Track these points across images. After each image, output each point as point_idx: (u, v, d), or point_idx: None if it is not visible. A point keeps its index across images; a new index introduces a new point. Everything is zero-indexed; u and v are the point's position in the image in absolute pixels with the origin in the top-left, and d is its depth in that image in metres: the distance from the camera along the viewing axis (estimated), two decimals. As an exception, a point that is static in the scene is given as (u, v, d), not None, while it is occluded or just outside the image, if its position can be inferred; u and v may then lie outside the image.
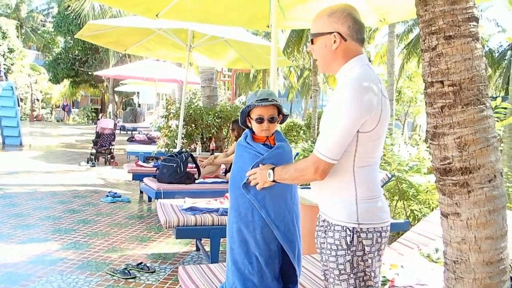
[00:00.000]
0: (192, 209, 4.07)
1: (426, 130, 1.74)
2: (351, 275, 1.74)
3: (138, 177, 6.78)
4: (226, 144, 8.31)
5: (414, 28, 19.33)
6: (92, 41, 6.57)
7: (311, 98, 30.20)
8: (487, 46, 20.96)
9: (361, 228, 1.72)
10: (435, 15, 1.61)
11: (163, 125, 8.37)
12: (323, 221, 1.86)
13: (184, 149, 6.48)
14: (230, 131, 6.10)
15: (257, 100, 2.26)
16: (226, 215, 3.94)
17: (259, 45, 6.38)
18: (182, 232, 3.85)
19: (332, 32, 1.72)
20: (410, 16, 4.18)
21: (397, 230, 4.66)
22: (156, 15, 4.30)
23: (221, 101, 9.62)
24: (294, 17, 4.15)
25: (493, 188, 1.60)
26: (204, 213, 4.01)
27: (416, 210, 5.07)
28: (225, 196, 4.65)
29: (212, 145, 6.99)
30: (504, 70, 19.81)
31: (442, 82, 1.61)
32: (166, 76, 11.72)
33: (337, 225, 1.75)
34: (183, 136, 7.79)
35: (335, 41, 1.72)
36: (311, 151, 8.35)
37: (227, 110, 8.17)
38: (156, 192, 5.38)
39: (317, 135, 10.95)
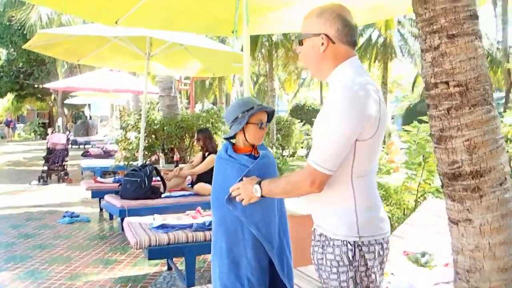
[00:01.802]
0: (163, 227, 3.84)
1: (430, 134, 1.65)
2: None
3: (97, 194, 6.41)
4: (188, 154, 8.06)
5: (364, 32, 19.84)
6: (43, 52, 6.17)
7: (267, 103, 30.44)
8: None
9: (363, 242, 1.60)
10: (436, 13, 1.53)
11: (121, 138, 8.00)
12: (320, 235, 1.72)
13: (147, 162, 6.19)
14: (195, 141, 5.89)
15: (258, 105, 2.13)
16: (201, 230, 3.75)
17: (222, 51, 6.22)
18: (155, 252, 3.61)
19: (319, 34, 1.61)
20: (376, 19, 4.18)
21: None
22: (116, 22, 4.05)
23: (182, 110, 9.37)
24: (264, 21, 4.04)
25: (505, 191, 1.53)
26: (177, 230, 3.79)
27: (387, 212, 5.08)
28: (197, 210, 4.45)
29: (176, 156, 6.74)
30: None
31: (447, 82, 1.53)
32: (121, 86, 11.30)
33: (337, 239, 1.62)
34: (143, 148, 7.49)
35: (322, 43, 1.61)
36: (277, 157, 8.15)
37: (188, 119, 7.93)
38: (120, 210, 5.07)
39: (276, 140, 10.93)
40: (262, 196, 1.83)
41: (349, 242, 1.59)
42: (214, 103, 28.11)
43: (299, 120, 20.85)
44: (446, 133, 1.56)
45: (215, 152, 5.77)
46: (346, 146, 1.53)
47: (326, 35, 1.60)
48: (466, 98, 1.51)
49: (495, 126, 1.52)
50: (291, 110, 25.60)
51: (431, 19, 1.54)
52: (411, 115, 20.45)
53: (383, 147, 14.23)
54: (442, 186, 1.65)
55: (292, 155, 18.90)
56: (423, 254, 2.91)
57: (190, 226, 3.85)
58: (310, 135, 20.33)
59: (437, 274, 2.72)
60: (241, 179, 2.07)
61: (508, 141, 10.58)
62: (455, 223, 1.62)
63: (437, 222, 3.17)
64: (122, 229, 5.81)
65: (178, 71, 7.80)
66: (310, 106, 25.55)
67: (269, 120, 2.19)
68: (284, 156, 17.27)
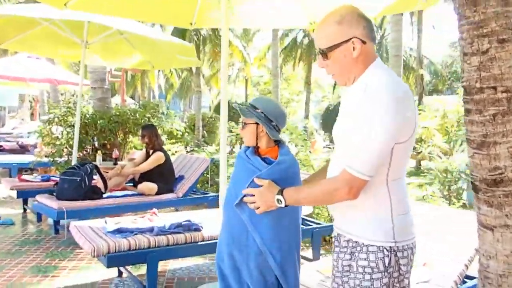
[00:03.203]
0: (120, 231, 3.51)
1: (467, 139, 1.63)
2: None
3: (25, 194, 5.77)
4: (123, 151, 7.56)
5: (290, 32, 20.28)
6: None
7: (188, 99, 29.87)
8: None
9: (398, 247, 1.58)
10: (487, 16, 1.51)
11: (45, 132, 7.27)
12: (347, 241, 1.65)
13: (86, 160, 5.68)
14: (140, 137, 5.52)
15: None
16: (163, 234, 3.50)
17: (168, 42, 5.89)
18: (115, 259, 3.28)
19: (350, 39, 1.53)
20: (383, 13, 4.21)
21: (330, 234, 4.69)
22: (65, 5, 3.62)
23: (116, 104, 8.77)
24: (243, 14, 3.86)
25: (542, 197, 1.56)
26: (136, 234, 3.49)
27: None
28: (152, 212, 4.15)
29: (115, 153, 6.26)
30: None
31: (494, 88, 1.52)
32: (39, 75, 10.29)
33: (372, 245, 1.57)
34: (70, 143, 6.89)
35: (354, 48, 1.53)
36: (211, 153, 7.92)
37: (125, 113, 7.44)
38: (58, 212, 4.58)
39: (202, 137, 10.71)
40: (286, 206, 1.74)
41: (386, 248, 1.56)
42: (132, 97, 26.99)
43: (224, 117, 20.82)
44: (490, 139, 1.55)
45: (161, 149, 5.47)
46: (387, 151, 1.50)
47: (356, 37, 1.53)
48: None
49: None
50: (216, 106, 25.44)
51: (481, 22, 1.52)
52: (330, 116, 21.37)
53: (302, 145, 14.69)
54: (476, 192, 1.64)
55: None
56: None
57: (151, 230, 3.57)
58: (233, 131, 20.45)
59: (417, 274, 2.77)
60: (252, 182, 1.93)
61: (422, 142, 11.44)
62: (490, 228, 1.62)
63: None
64: (56, 232, 5.29)
65: (114, 62, 7.27)
66: (235, 102, 25.57)
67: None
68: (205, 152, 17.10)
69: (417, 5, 3.84)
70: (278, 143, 2.10)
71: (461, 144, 9.78)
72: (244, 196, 1.90)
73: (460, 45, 1.63)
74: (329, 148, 18.98)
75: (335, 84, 24.60)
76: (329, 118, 21.31)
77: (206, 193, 6.02)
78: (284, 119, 2.13)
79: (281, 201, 1.71)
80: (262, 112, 2.06)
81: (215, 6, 3.93)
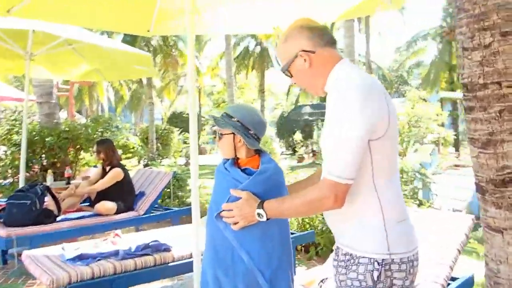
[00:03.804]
0: (81, 258, 3.19)
1: (470, 138, 1.54)
2: None
3: (-35, 222, 5.19)
4: (75, 169, 7.10)
5: (242, 41, 20.27)
6: None
7: (140, 111, 29.07)
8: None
9: (393, 259, 1.42)
10: (488, 8, 1.43)
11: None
12: (344, 254, 1.51)
13: (37, 181, 5.24)
14: (96, 154, 5.16)
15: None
16: (130, 258, 3.23)
17: (122, 51, 5.57)
18: (77, 290, 2.96)
19: (296, 54, 1.51)
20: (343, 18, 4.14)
21: (302, 243, 4.57)
22: (8, 11, 3.29)
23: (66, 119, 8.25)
24: (207, 21, 3.67)
25: (550, 195, 1.49)
26: (100, 260, 3.18)
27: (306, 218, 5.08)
28: (115, 234, 3.84)
29: (67, 172, 5.83)
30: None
31: (499, 83, 1.45)
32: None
33: (363, 257, 1.44)
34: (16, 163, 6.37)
35: (305, 60, 1.51)
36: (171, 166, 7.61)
37: (75, 128, 6.98)
38: (6, 240, 4.14)
39: (156, 150, 10.36)
40: (267, 219, 1.61)
41: (377, 261, 1.42)
42: (79, 112, 25.94)
43: (177, 128, 20.41)
44: (497, 137, 1.47)
45: (119, 165, 5.14)
46: (362, 148, 1.38)
47: (302, 50, 1.50)
48: (520, 100, 1.44)
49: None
50: (169, 118, 24.91)
51: (482, 15, 1.44)
52: (286, 123, 21.50)
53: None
54: (482, 193, 1.56)
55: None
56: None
57: (116, 254, 3.27)
58: (188, 143, 20.05)
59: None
60: (233, 199, 1.75)
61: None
62: (499, 231, 1.54)
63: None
64: (4, 262, 4.82)
65: (61, 74, 6.83)
66: (188, 114, 25.17)
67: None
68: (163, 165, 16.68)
69: (379, 8, 3.83)
70: (259, 152, 1.94)
71: (413, 144, 10.10)
72: (222, 211, 1.74)
73: (459, 40, 1.54)
74: (286, 155, 19.06)
75: (288, 91, 24.91)
76: (284, 125, 21.44)
77: (170, 209, 5.73)
78: (263, 127, 1.97)
79: (262, 215, 1.59)
80: (238, 121, 1.90)
81: (176, 13, 3.72)
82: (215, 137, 2.02)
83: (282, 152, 18.40)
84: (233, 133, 1.88)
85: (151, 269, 3.26)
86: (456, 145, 17.45)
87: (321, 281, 2.77)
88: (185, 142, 19.98)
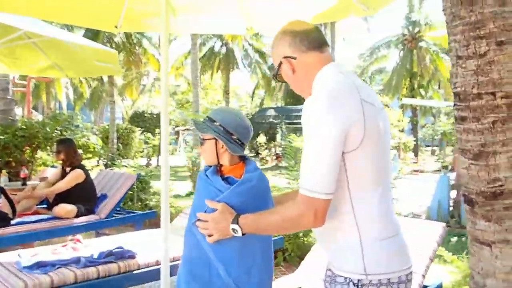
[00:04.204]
0: (39, 265, 2.97)
1: (462, 149, 1.51)
2: None
3: None
4: (31, 169, 6.72)
5: (207, 41, 20.06)
6: None
7: (99, 110, 28.18)
8: (270, 62, 23.51)
9: (370, 281, 1.33)
10: (485, 17, 1.40)
11: None
12: (328, 270, 1.46)
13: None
14: (55, 154, 4.88)
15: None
16: (92, 265, 3.04)
17: (87, 47, 5.29)
18: (35, 301, 2.75)
19: (280, 62, 1.47)
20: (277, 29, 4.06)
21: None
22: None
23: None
24: (181, 20, 3.52)
25: (539, 208, 1.48)
26: (59, 267, 2.98)
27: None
28: (75, 239, 3.62)
29: (24, 172, 5.50)
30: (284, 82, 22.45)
31: (493, 93, 1.42)
32: None
33: (339, 275, 1.37)
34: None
35: (289, 66, 1.45)
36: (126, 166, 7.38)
37: (32, 126, 6.61)
38: (-46, 246, 3.85)
39: (117, 150, 10.03)
40: (243, 234, 1.51)
41: (352, 281, 1.34)
42: (35, 108, 24.87)
43: (139, 128, 19.95)
44: (489, 148, 1.44)
45: (80, 166, 4.89)
46: (336, 160, 1.27)
47: (284, 57, 1.45)
48: (512, 111, 1.41)
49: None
50: (130, 117, 24.28)
51: (478, 23, 1.41)
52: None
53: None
54: (471, 206, 1.53)
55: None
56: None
57: (77, 261, 3.07)
58: (150, 143, 19.62)
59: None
60: (207, 210, 1.65)
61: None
62: (487, 245, 1.51)
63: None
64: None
65: (19, 69, 6.44)
66: (150, 113, 24.69)
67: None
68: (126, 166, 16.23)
69: (353, 13, 3.81)
70: (244, 159, 1.83)
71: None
72: (198, 220, 1.64)
73: (452, 48, 1.51)
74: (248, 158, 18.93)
75: (253, 94, 24.91)
76: (247, 127, 21.36)
77: (133, 212, 5.52)
78: (248, 132, 1.86)
79: (236, 230, 1.49)
80: (220, 125, 1.78)
81: (147, 10, 3.55)
82: (176, 139, 1.89)
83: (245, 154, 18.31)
84: (215, 138, 1.76)
85: (115, 277, 3.09)
86: (415, 150, 17.99)
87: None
88: (146, 142, 19.54)
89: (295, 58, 1.43)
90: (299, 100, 23.26)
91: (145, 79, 22.05)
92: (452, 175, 9.71)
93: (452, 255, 3.60)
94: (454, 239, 5.35)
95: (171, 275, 2.72)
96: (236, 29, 4.06)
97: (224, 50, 19.88)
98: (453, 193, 9.10)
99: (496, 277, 1.51)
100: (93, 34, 13.60)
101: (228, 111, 1.88)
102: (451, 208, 8.74)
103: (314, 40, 1.43)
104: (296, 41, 1.43)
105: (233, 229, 1.49)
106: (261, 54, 20.87)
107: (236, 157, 1.80)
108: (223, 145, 1.76)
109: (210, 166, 1.79)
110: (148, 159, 18.13)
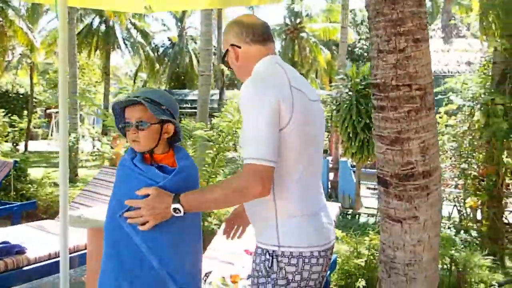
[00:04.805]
0: None
1: (379, 135, 1.65)
2: None
3: None
4: None
5: (84, 18, 18.55)
6: None
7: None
8: (153, 43, 22.66)
9: (283, 252, 1.44)
10: (405, 15, 1.54)
11: None
12: (255, 257, 1.53)
13: None
14: None
15: (126, 99, 1.62)
16: None
17: None
18: None
19: (227, 49, 1.60)
20: (178, 8, 3.96)
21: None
22: None
23: None
24: None
25: (440, 187, 1.70)
26: None
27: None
28: None
29: None
30: (168, 65, 21.95)
31: (409, 85, 1.57)
32: None
33: (259, 247, 1.50)
34: None
35: (234, 54, 1.58)
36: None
37: None
38: None
39: None
40: (184, 213, 1.49)
41: (268, 251, 1.46)
42: None
43: (2, 110, 17.76)
44: (404, 135, 1.60)
45: None
46: (276, 129, 1.37)
47: (231, 44, 1.58)
48: (424, 102, 1.59)
49: (437, 129, 1.66)
50: (-5, 98, 21.40)
51: (399, 21, 1.54)
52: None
53: (108, 141, 13.85)
54: (386, 187, 1.69)
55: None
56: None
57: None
58: (16, 126, 17.62)
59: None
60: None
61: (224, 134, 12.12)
62: (398, 221, 1.69)
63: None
64: None
65: None
66: (16, 93, 22.03)
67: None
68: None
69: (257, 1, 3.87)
70: (173, 146, 1.75)
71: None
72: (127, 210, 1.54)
73: (374, 42, 1.63)
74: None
75: (135, 76, 23.83)
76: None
77: (9, 203, 4.94)
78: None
79: (179, 210, 1.45)
80: (167, 109, 1.67)
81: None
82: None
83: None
84: (160, 123, 1.64)
85: (2, 275, 2.77)
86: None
87: (205, 275, 2.70)
88: (12, 126, 17.53)
89: (240, 47, 1.55)
90: (184, 84, 22.93)
91: (10, 54, 19.57)
92: (330, 159, 10.56)
93: (342, 232, 3.93)
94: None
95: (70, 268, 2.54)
96: (134, 7, 3.85)
97: (103, 27, 18.59)
98: (331, 175, 9.93)
99: (404, 250, 1.70)
100: None
101: (166, 94, 1.77)
102: (329, 190, 9.53)
103: (259, 35, 1.55)
104: (243, 32, 1.55)
105: (175, 209, 1.45)
106: (144, 34, 20.00)
107: (167, 145, 1.71)
108: (167, 131, 1.66)
109: (134, 154, 1.67)
110: (15, 144, 16.34)
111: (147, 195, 1.53)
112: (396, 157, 1.63)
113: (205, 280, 2.68)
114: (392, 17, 1.55)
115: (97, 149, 13.45)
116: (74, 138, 10.31)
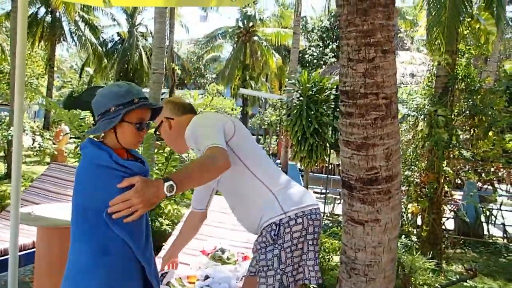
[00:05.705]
0: None
1: (346, 141, 1.72)
2: (278, 270, 1.68)
3: None
4: None
5: (30, 7, 17.54)
6: None
7: None
8: (102, 37, 21.83)
9: (289, 216, 1.71)
10: (375, 27, 1.61)
11: None
12: (260, 235, 1.78)
13: None
14: None
15: (140, 99, 1.55)
16: None
17: None
18: None
19: (162, 121, 1.98)
20: (137, 4, 3.88)
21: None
22: None
23: None
24: None
25: (400, 191, 1.78)
26: None
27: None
28: None
29: None
30: (117, 61, 21.24)
31: (377, 94, 1.64)
32: None
33: (265, 227, 1.73)
34: None
35: (167, 124, 1.97)
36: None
37: None
38: None
39: None
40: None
41: (275, 223, 1.70)
42: None
43: None
44: (370, 141, 1.66)
45: None
46: (219, 127, 1.76)
47: (165, 117, 1.96)
48: (389, 110, 1.66)
49: (400, 136, 1.75)
50: None
51: (369, 32, 1.60)
52: (75, 103, 19.73)
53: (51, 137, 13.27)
54: (350, 190, 1.75)
55: None
56: (223, 251, 2.94)
57: None
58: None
59: (243, 267, 2.80)
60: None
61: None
62: (360, 223, 1.75)
63: (226, 218, 3.28)
64: None
65: None
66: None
67: (152, 118, 1.68)
68: None
69: (217, 3, 3.86)
70: None
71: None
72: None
73: (345, 51, 1.69)
74: (76, 139, 17.44)
75: (82, 70, 22.86)
76: (72, 106, 19.60)
77: None
78: (97, 104, 1.77)
79: (173, 186, 1.43)
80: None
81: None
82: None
83: (75, 136, 16.83)
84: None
85: None
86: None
87: (161, 275, 2.66)
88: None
89: (173, 119, 1.96)
90: (133, 81, 22.31)
91: None
92: (279, 162, 10.69)
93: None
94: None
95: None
96: (92, 2, 3.73)
97: (49, 18, 17.70)
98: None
99: (366, 251, 1.77)
100: None
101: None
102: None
103: (186, 108, 2.00)
104: (175, 107, 1.98)
105: (169, 186, 1.42)
106: (93, 28, 19.25)
107: None
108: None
109: (110, 154, 1.59)
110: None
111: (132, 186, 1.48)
112: (361, 162, 1.70)
113: (161, 281, 2.64)
114: (363, 28, 1.62)
115: (39, 144, 12.74)
116: (12, 131, 9.75)
